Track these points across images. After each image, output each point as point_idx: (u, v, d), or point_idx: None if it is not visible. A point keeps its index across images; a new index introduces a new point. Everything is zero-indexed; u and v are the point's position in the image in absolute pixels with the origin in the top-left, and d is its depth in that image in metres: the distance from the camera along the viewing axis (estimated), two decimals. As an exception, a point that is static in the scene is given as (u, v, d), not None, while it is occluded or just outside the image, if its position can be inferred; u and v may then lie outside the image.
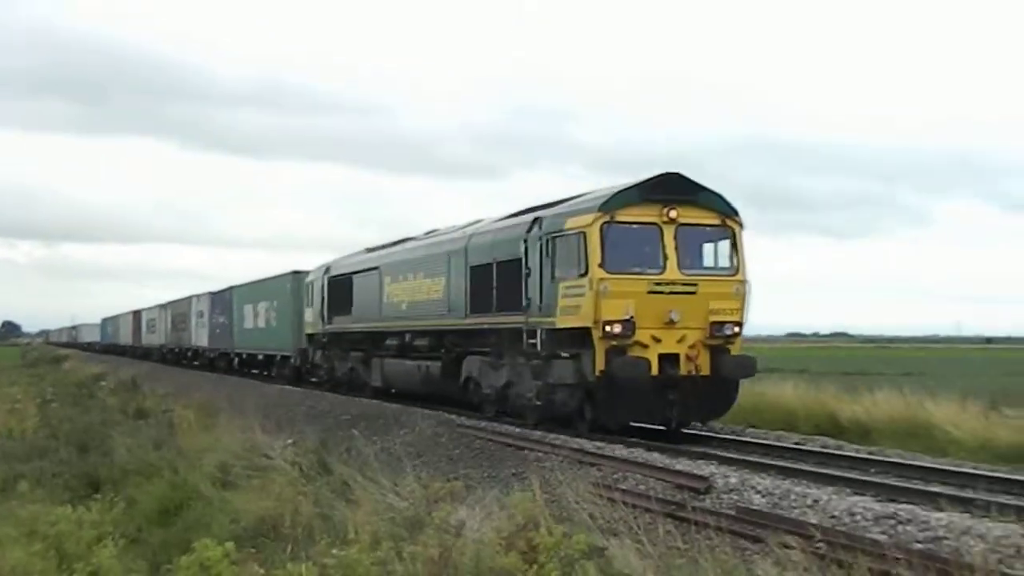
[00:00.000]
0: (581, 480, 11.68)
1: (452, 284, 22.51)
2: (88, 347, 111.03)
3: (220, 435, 17.48)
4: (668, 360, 17.18)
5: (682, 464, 14.38)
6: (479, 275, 21.16)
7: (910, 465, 14.83)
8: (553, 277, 18.12)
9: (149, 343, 72.14)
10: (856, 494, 12.11)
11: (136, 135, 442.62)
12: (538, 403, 18.98)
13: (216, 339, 50.55)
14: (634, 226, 17.57)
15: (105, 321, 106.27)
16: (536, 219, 19.13)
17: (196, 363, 54.90)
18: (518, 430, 19.11)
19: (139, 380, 36.56)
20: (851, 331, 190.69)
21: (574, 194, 19.84)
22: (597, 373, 16.98)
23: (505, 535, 7.55)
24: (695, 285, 17.50)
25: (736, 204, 18.23)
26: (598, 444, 16.57)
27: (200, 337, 54.40)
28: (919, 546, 9.37)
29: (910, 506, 11.17)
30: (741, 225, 18.24)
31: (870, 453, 16.32)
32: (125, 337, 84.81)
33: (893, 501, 11.63)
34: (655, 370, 16.99)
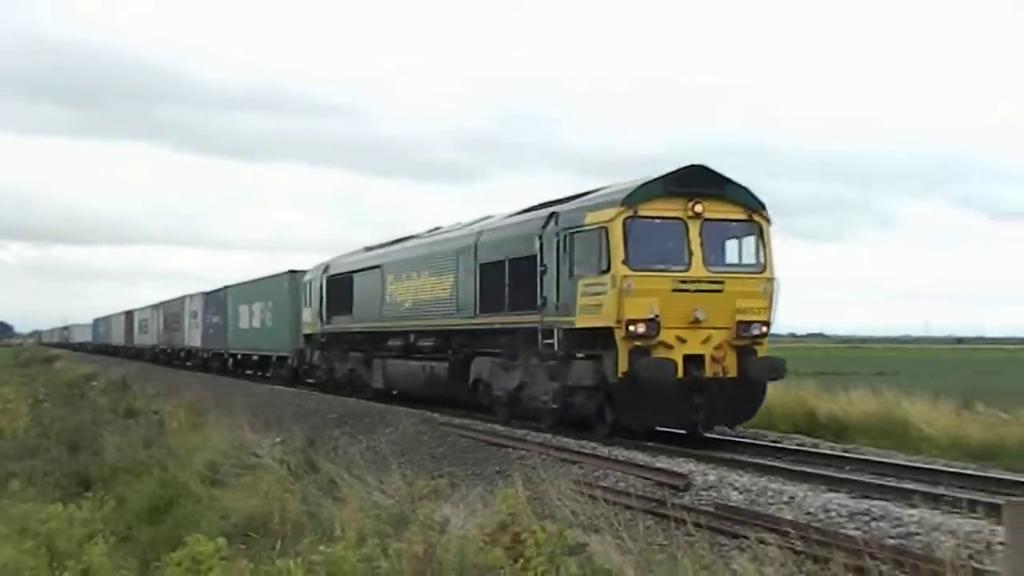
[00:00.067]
0: (563, 478, 11.67)
1: (460, 282, 21.48)
2: (80, 347, 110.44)
3: (209, 434, 17.40)
4: (693, 361, 16.25)
5: (662, 462, 14.41)
6: (490, 273, 20.16)
7: (883, 462, 14.89)
8: (571, 274, 17.15)
9: (141, 343, 71.74)
10: (831, 491, 12.17)
11: (130, 138, 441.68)
12: (554, 406, 18.01)
13: (210, 339, 49.92)
14: (658, 221, 16.59)
15: (97, 322, 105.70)
16: (552, 214, 18.16)
17: (189, 363, 54.35)
18: (501, 428, 19.10)
19: (130, 380, 36.35)
20: (827, 332, 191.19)
21: (589, 189, 18.84)
22: (620, 375, 16.03)
23: (488, 531, 7.54)
24: (721, 283, 16.54)
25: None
26: (580, 443, 16.58)
27: (193, 337, 53.90)
28: (892, 542, 9.42)
29: (883, 502, 11.23)
30: (768, 220, 17.22)
31: (845, 451, 16.40)
32: (117, 338, 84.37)
33: (867, 498, 11.69)
34: (680, 372, 16.07)
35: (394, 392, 26.42)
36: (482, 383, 21.10)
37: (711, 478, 12.99)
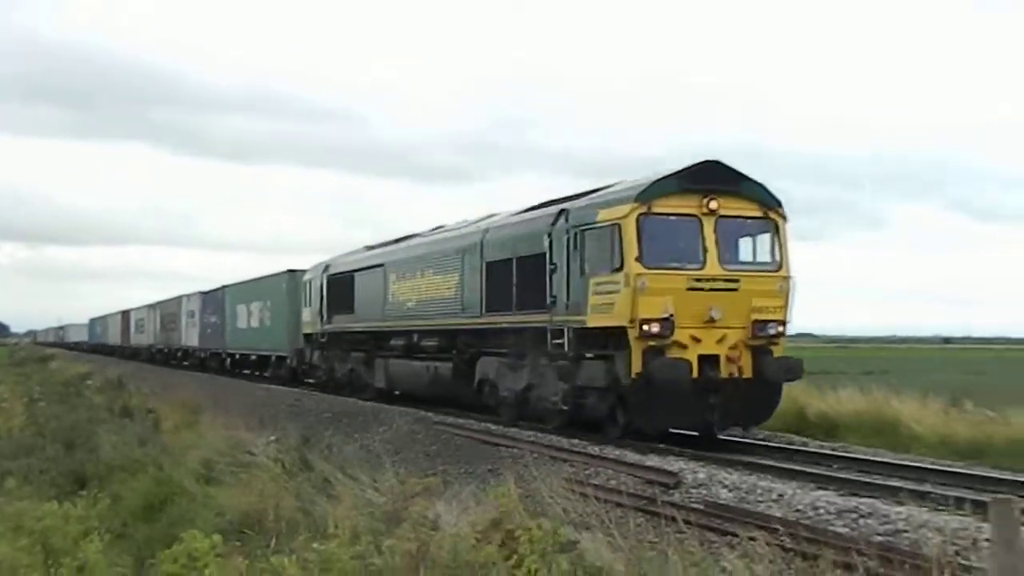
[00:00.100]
0: (554, 476, 11.67)
1: (466, 281, 20.95)
2: (75, 347, 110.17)
3: (204, 432, 17.39)
4: (708, 362, 15.76)
5: (652, 460, 14.43)
6: (496, 271, 19.67)
7: (871, 460, 14.93)
8: (582, 273, 16.68)
9: (138, 343, 71.53)
10: (820, 489, 12.20)
11: (126, 140, 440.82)
12: (564, 407, 17.54)
13: (207, 339, 49.62)
14: (672, 218, 16.11)
15: (93, 321, 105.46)
16: (561, 211, 17.65)
17: (186, 363, 54.16)
18: (494, 427, 19.10)
19: (125, 379, 36.26)
20: (816, 332, 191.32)
21: (599, 185, 18.31)
22: (633, 375, 15.55)
23: (480, 529, 7.54)
24: (737, 281, 16.08)
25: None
26: (572, 441, 16.59)
27: (190, 337, 53.62)
28: (880, 539, 9.45)
29: (871, 500, 11.28)
30: (784, 218, 16.78)
31: (833, 449, 16.44)
32: (113, 337, 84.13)
33: (855, 495, 11.73)
34: (694, 372, 15.61)
35: (396, 392, 25.93)
36: (488, 384, 20.63)
37: (701, 476, 13.01)
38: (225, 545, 7.59)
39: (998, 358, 79.34)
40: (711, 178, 16.27)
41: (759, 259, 16.69)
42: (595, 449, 15.66)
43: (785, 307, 16.36)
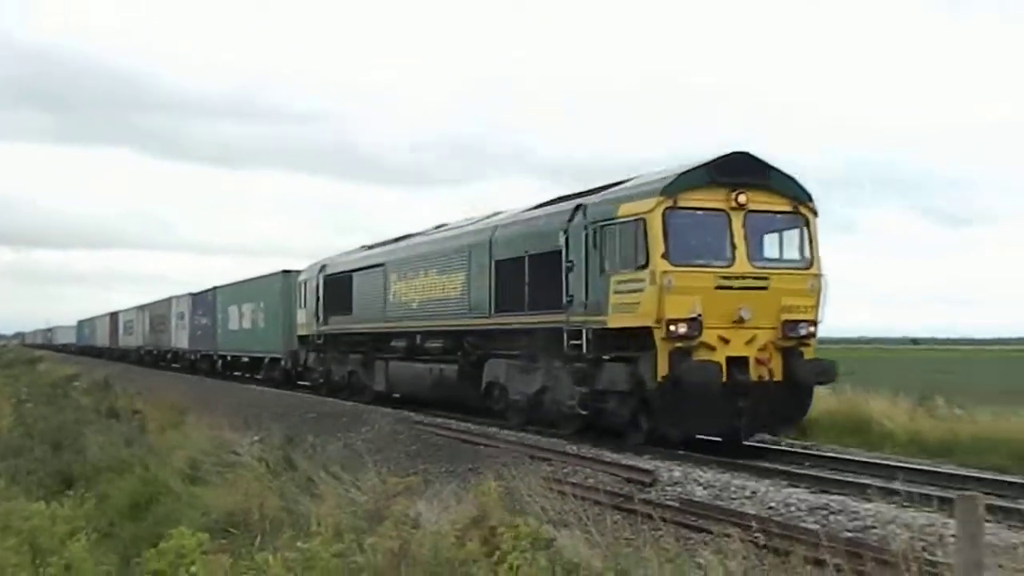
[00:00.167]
0: (533, 474, 11.69)
1: (473, 280, 19.90)
2: (63, 349, 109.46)
3: (190, 433, 17.32)
4: (736, 364, 14.78)
5: (629, 459, 14.46)
6: (506, 270, 18.65)
7: (842, 458, 15.01)
8: (602, 271, 15.61)
9: (126, 345, 71.03)
10: (792, 486, 12.26)
11: (109, 145, 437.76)
12: (583, 412, 16.45)
13: (197, 341, 49.00)
14: (699, 212, 15.08)
15: (81, 323, 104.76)
16: (578, 207, 16.57)
17: (175, 365, 53.67)
18: (474, 427, 19.08)
19: (112, 381, 36.05)
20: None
21: (619, 179, 17.17)
22: (659, 379, 14.56)
23: (460, 526, 7.55)
24: (766, 279, 15.10)
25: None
26: (551, 440, 16.61)
27: (180, 339, 53.07)
28: (849, 535, 9.50)
29: (841, 497, 11.35)
30: (815, 212, 15.76)
31: (805, 447, 16.50)
32: (102, 339, 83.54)
33: (826, 493, 11.79)
34: (723, 375, 14.64)
35: (395, 395, 25.01)
36: (497, 387, 19.59)
37: (676, 474, 13.05)
38: (211, 543, 7.58)
39: (965, 359, 79.84)
40: (740, 170, 15.27)
41: (789, 256, 15.73)
42: (573, 448, 15.67)
43: (816, 306, 15.41)
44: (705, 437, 15.96)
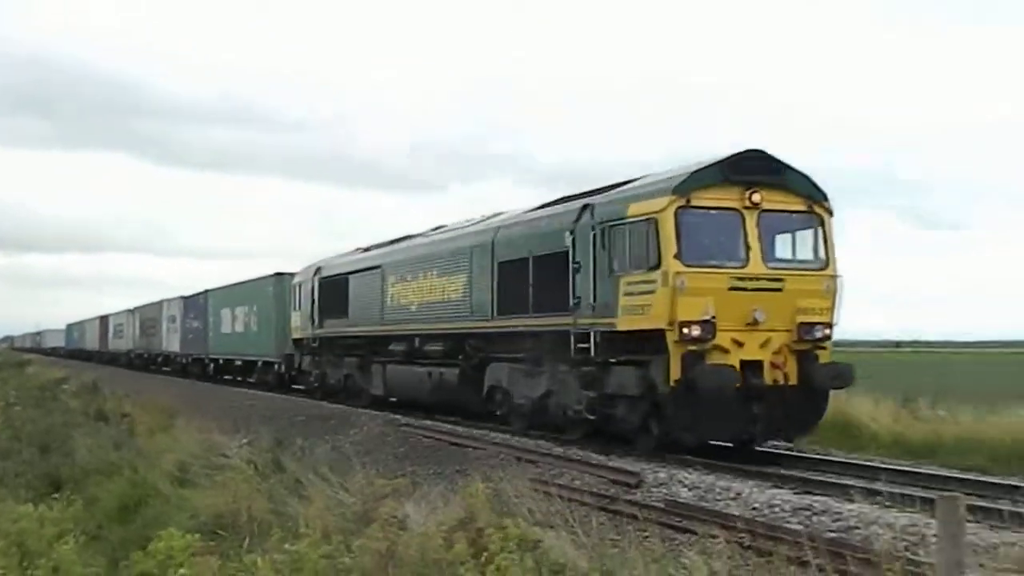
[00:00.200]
0: (520, 476, 11.67)
1: (475, 282, 19.34)
2: (52, 352, 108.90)
3: (179, 435, 17.25)
4: (750, 367, 14.29)
5: (614, 460, 14.46)
6: (509, 271, 18.10)
7: (825, 460, 15.02)
8: (611, 272, 15.12)
9: (116, 348, 70.60)
10: (775, 487, 12.26)
11: (104, 150, 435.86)
12: (590, 416, 15.92)
13: (189, 344, 48.47)
14: (712, 211, 14.59)
15: (71, 327, 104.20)
16: (585, 206, 16.05)
17: (166, 368, 53.24)
18: (462, 429, 19.06)
19: (101, 384, 35.87)
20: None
21: (627, 179, 16.64)
22: (672, 383, 14.05)
23: (447, 528, 7.54)
24: (781, 281, 14.61)
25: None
26: (537, 442, 16.60)
27: (171, 342, 52.54)
28: (832, 535, 9.52)
29: (824, 498, 11.35)
30: (830, 212, 15.31)
31: (788, 449, 16.51)
32: (91, 343, 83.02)
33: (809, 494, 11.80)
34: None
35: (392, 399, 24.42)
36: (499, 391, 19.05)
37: (662, 476, 13.06)
38: (199, 545, 7.55)
39: (945, 361, 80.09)
40: (754, 168, 14.81)
41: (804, 256, 15.28)
42: (560, 450, 15.67)
43: (832, 308, 14.96)
44: (719, 443, 15.47)
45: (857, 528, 9.79)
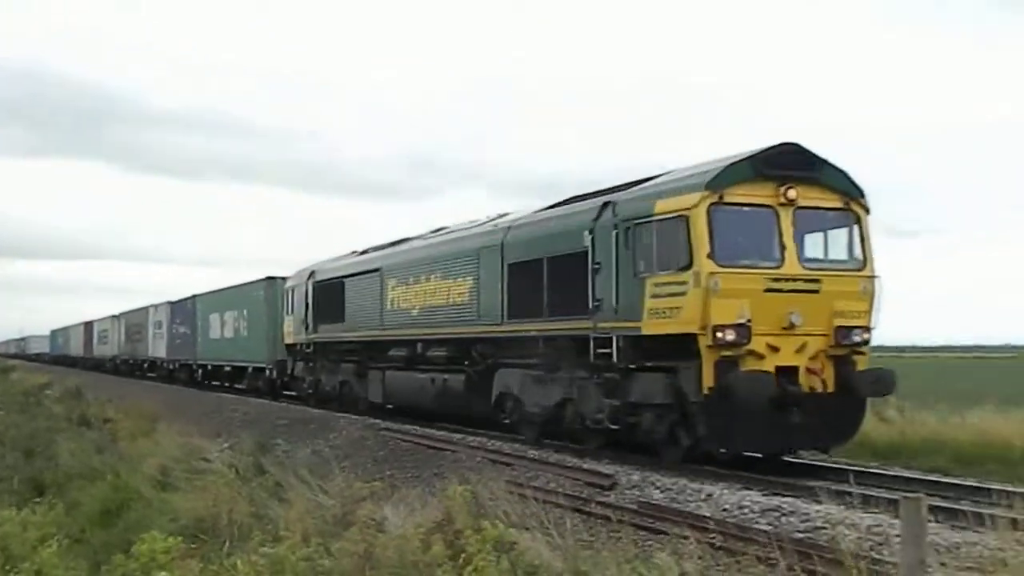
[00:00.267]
0: (496, 479, 11.66)
1: (483, 285, 18.06)
2: (36, 358, 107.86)
3: (161, 440, 17.17)
4: (785, 374, 13.19)
5: (589, 463, 14.45)
6: (521, 273, 16.93)
7: (793, 462, 15.05)
8: (635, 273, 13.99)
9: (101, 354, 69.61)
10: (745, 489, 12.27)
11: (82, 158, 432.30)
12: (613, 426, 14.77)
13: (176, 350, 47.23)
14: (746, 208, 13.51)
15: (55, 332, 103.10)
16: (606, 203, 14.92)
17: (152, 374, 52.14)
18: (439, 433, 18.99)
19: (85, 390, 35.54)
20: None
21: (649, 175, 15.36)
22: (705, 390, 12.97)
23: (423, 530, 7.52)
24: (818, 282, 13.52)
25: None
26: (513, 446, 16.58)
27: (157, 348, 51.30)
28: (800, 535, 9.57)
29: (793, 499, 11.38)
30: (867, 209, 14.18)
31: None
32: (76, 348, 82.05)
33: (778, 495, 11.82)
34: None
35: (390, 406, 23.00)
36: (510, 398, 17.82)
37: (635, 478, 13.07)
38: (180, 548, 7.50)
39: (905, 364, 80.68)
40: (788, 163, 13.72)
41: (841, 256, 14.20)
42: (535, 453, 15.65)
43: (870, 311, 13.88)
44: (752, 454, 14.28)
45: (824, 528, 9.82)
